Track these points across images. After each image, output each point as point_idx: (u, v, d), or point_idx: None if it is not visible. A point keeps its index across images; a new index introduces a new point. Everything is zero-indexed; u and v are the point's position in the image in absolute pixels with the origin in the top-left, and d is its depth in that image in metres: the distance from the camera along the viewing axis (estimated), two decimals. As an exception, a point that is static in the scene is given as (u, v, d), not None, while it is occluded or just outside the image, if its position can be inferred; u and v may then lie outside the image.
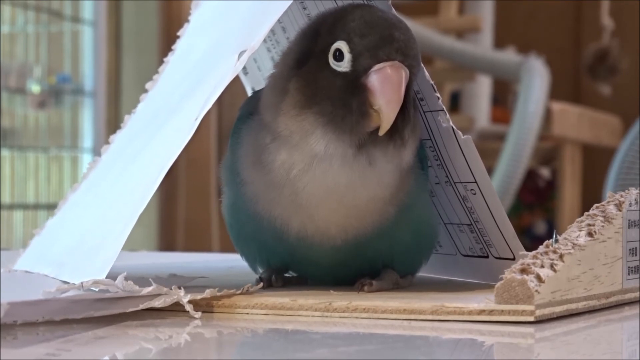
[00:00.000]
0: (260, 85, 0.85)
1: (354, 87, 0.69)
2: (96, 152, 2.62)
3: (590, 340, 0.62)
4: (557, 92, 2.93)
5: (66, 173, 2.83)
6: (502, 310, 0.62)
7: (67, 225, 0.83)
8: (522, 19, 3.58)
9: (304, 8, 0.80)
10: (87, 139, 2.82)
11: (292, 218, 0.71)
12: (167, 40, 2.83)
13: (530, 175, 3.15)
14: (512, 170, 2.57)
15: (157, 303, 0.65)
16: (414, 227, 0.74)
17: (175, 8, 2.94)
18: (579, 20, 3.54)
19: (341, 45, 0.70)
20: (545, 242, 0.65)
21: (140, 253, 1.19)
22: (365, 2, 0.74)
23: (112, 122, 2.84)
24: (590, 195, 2.19)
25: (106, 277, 0.65)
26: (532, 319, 0.62)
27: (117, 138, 0.85)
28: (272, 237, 0.72)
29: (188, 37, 0.87)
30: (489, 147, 2.70)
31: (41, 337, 0.59)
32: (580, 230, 0.68)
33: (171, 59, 0.86)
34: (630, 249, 0.71)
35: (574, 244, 0.66)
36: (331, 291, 0.70)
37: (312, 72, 0.70)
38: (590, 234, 0.68)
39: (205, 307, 0.66)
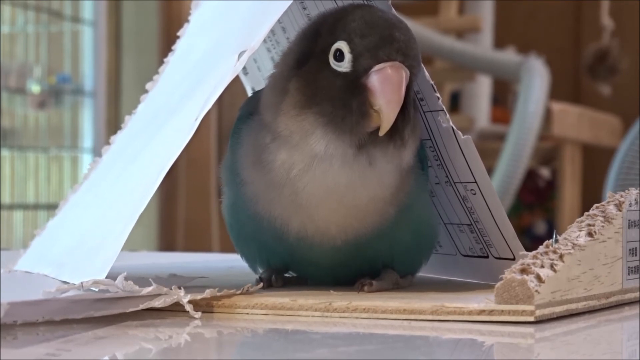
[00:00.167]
0: (260, 85, 0.85)
1: (354, 88, 0.69)
2: (96, 152, 2.62)
3: (590, 340, 0.62)
4: (557, 92, 2.93)
5: (66, 173, 2.83)
6: (502, 311, 0.62)
7: (67, 226, 0.83)
8: (522, 19, 3.58)
9: (304, 8, 0.80)
10: (87, 139, 2.82)
11: (292, 218, 0.71)
12: (167, 40, 2.83)
13: (530, 175, 3.14)
14: (512, 170, 2.57)
15: (157, 303, 0.65)
16: (414, 227, 0.74)
17: (175, 8, 2.94)
18: (579, 20, 3.54)
19: (342, 45, 0.70)
20: (545, 242, 0.65)
21: (140, 253, 1.19)
22: (366, 2, 0.74)
23: (112, 122, 2.84)
24: (590, 195, 2.19)
25: (106, 277, 0.65)
26: (532, 319, 0.62)
27: (118, 138, 0.85)
28: (272, 237, 0.72)
29: (188, 37, 0.87)
30: (489, 147, 2.70)
31: (41, 337, 0.59)
32: (580, 230, 0.68)
33: (171, 59, 0.86)
34: (630, 249, 0.71)
35: (574, 244, 0.66)
36: (331, 291, 0.70)
37: (313, 72, 0.70)
38: (590, 234, 0.68)
39: (205, 307, 0.66)
